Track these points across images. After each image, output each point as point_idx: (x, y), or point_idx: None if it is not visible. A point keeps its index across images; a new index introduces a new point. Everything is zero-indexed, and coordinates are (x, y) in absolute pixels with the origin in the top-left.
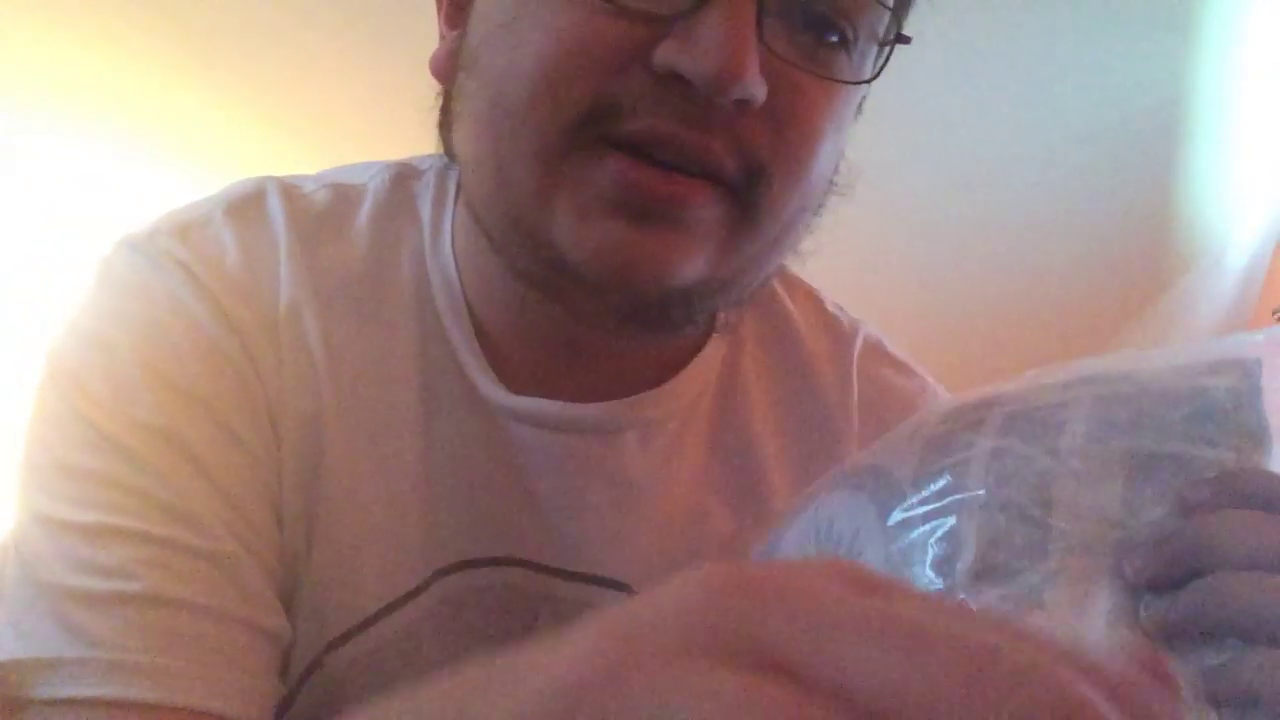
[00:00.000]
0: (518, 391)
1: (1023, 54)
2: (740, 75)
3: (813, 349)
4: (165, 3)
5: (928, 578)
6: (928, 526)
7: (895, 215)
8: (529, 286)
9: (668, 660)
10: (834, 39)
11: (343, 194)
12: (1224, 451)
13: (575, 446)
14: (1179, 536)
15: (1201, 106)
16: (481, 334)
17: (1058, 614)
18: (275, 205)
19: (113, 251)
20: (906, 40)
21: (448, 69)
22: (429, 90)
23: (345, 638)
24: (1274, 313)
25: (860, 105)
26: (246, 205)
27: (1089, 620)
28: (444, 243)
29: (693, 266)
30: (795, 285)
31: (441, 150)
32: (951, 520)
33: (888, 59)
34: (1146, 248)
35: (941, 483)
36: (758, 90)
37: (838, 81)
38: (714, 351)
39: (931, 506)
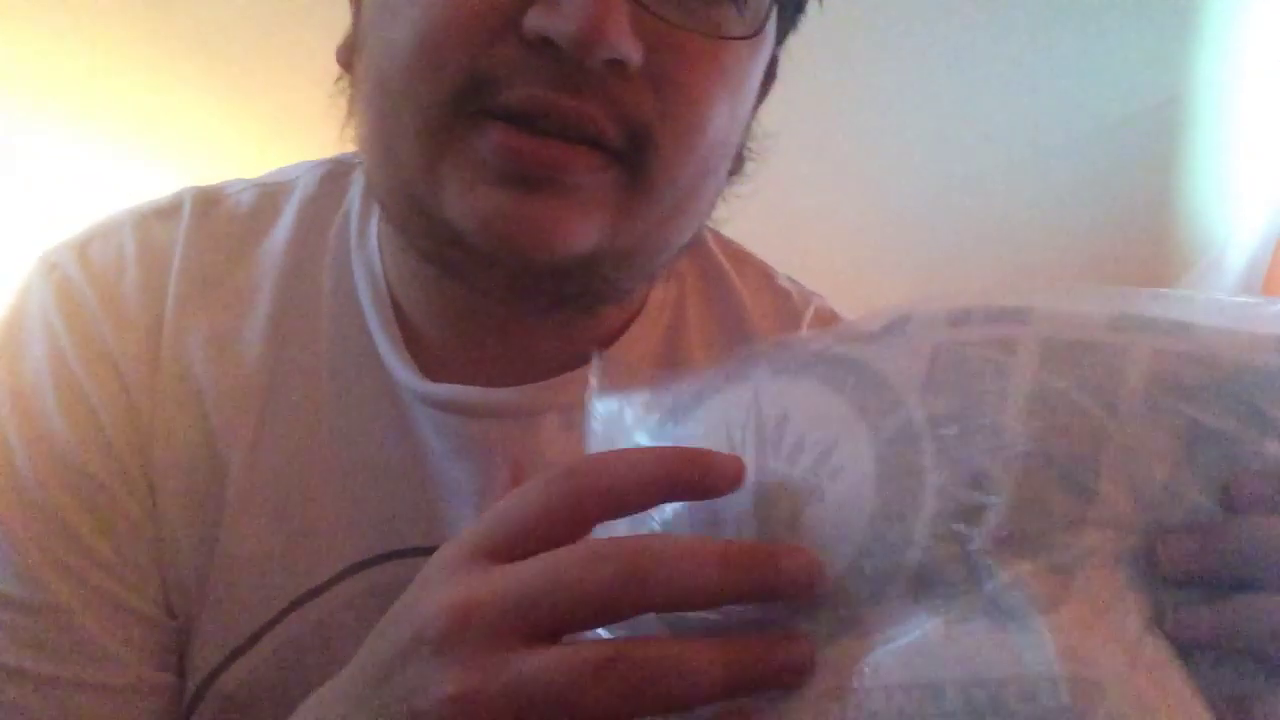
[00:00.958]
0: (437, 379)
1: (1023, 54)
2: (603, 34)
3: (759, 324)
4: (164, 3)
5: (931, 533)
6: (945, 466)
7: (894, 215)
8: (433, 266)
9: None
10: None
11: (269, 193)
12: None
13: (492, 432)
14: (1230, 534)
15: (1201, 106)
16: (404, 323)
17: (1083, 604)
18: (184, 219)
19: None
20: None
21: (347, 57)
22: None
23: (254, 639)
24: None
25: (772, 67)
26: (157, 218)
27: (1115, 617)
28: (371, 234)
29: (583, 235)
30: (745, 262)
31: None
32: (979, 466)
33: (797, 10)
34: (1146, 248)
35: (968, 414)
36: (627, 49)
37: (725, 39)
38: (646, 330)
39: (951, 440)
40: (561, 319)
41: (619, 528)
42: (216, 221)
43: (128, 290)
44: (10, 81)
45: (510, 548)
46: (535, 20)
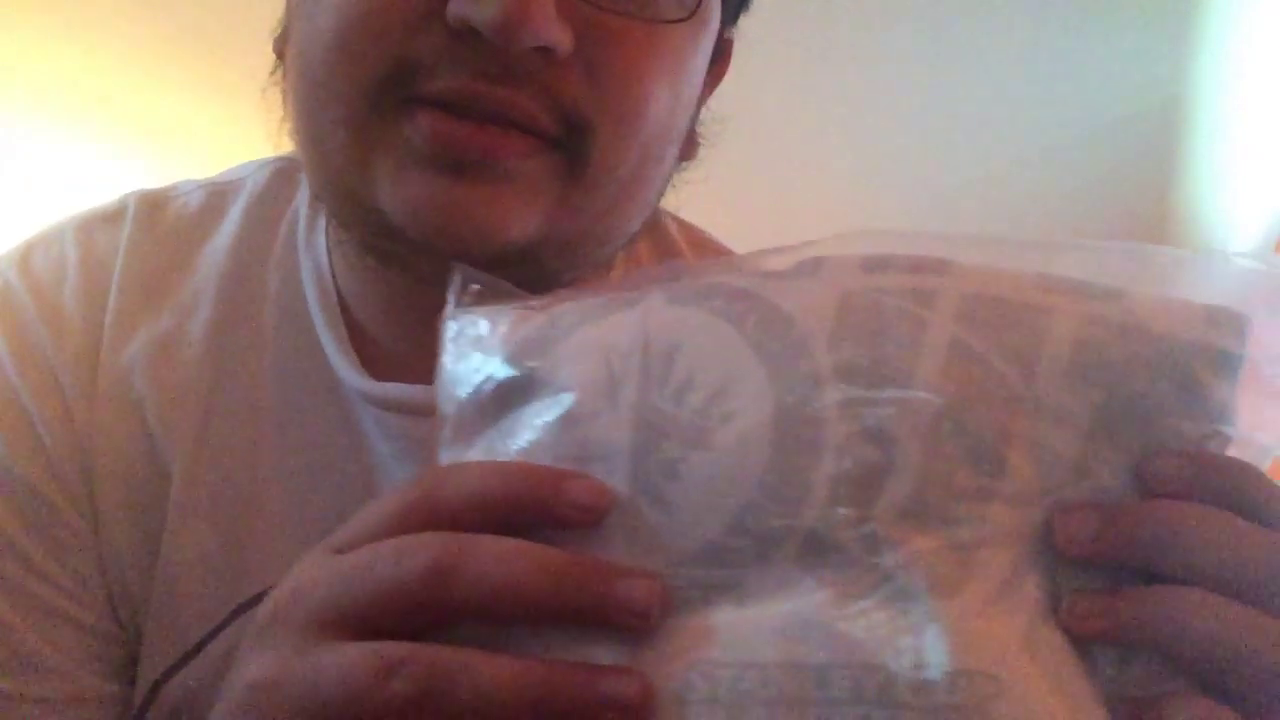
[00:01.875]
0: (384, 378)
1: (1023, 54)
2: (527, 21)
3: None
4: (164, 4)
5: (828, 494)
6: (849, 423)
7: (894, 215)
8: (372, 257)
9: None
10: None
11: (218, 193)
12: (1201, 426)
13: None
14: (1135, 516)
15: (1201, 106)
16: (351, 322)
17: (983, 588)
18: (128, 223)
19: None
20: None
21: (281, 47)
22: None
23: (200, 645)
24: None
25: (721, 46)
26: (101, 223)
27: (1015, 604)
28: (319, 231)
29: (521, 223)
30: (705, 247)
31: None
32: (885, 426)
33: None
34: None
35: (877, 368)
36: (553, 36)
37: (659, 22)
38: None
39: (857, 395)
40: None
41: (473, 454)
42: (162, 225)
43: (67, 299)
44: (10, 81)
45: (357, 543)
46: (458, 7)
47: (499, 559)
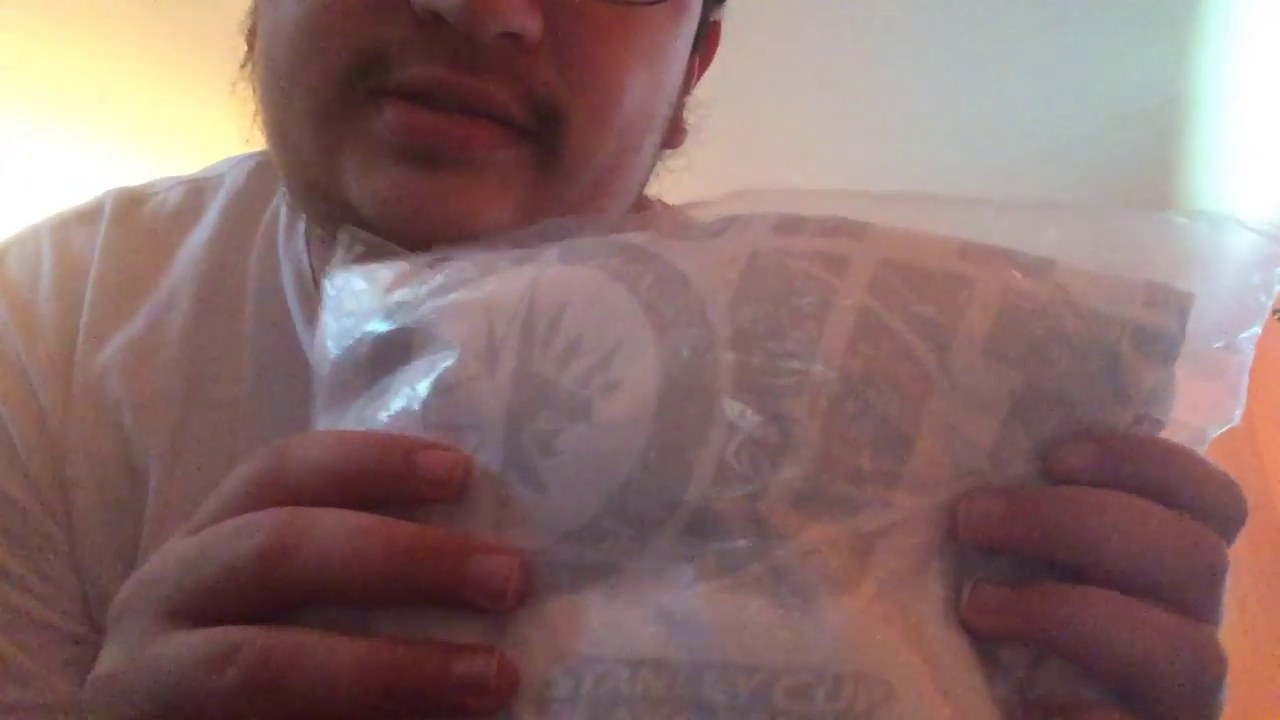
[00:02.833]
0: None
1: (1023, 54)
2: (492, 6)
3: None
4: (164, 4)
5: (714, 476)
6: (744, 397)
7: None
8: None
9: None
10: None
11: (196, 190)
12: (1129, 411)
13: None
14: (1045, 501)
15: (1201, 106)
16: None
17: (881, 584)
18: (104, 221)
19: None
20: None
21: (251, 38)
22: None
23: None
24: (1275, 312)
25: (707, 29)
26: (77, 222)
27: (915, 602)
28: (300, 227)
29: (493, 215)
30: None
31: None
32: (783, 403)
33: None
34: None
35: (778, 338)
36: (520, 21)
37: (634, 4)
38: None
39: (755, 367)
40: None
41: (346, 422)
42: (138, 222)
43: (41, 300)
44: (10, 81)
45: (206, 524)
46: None
47: (341, 535)
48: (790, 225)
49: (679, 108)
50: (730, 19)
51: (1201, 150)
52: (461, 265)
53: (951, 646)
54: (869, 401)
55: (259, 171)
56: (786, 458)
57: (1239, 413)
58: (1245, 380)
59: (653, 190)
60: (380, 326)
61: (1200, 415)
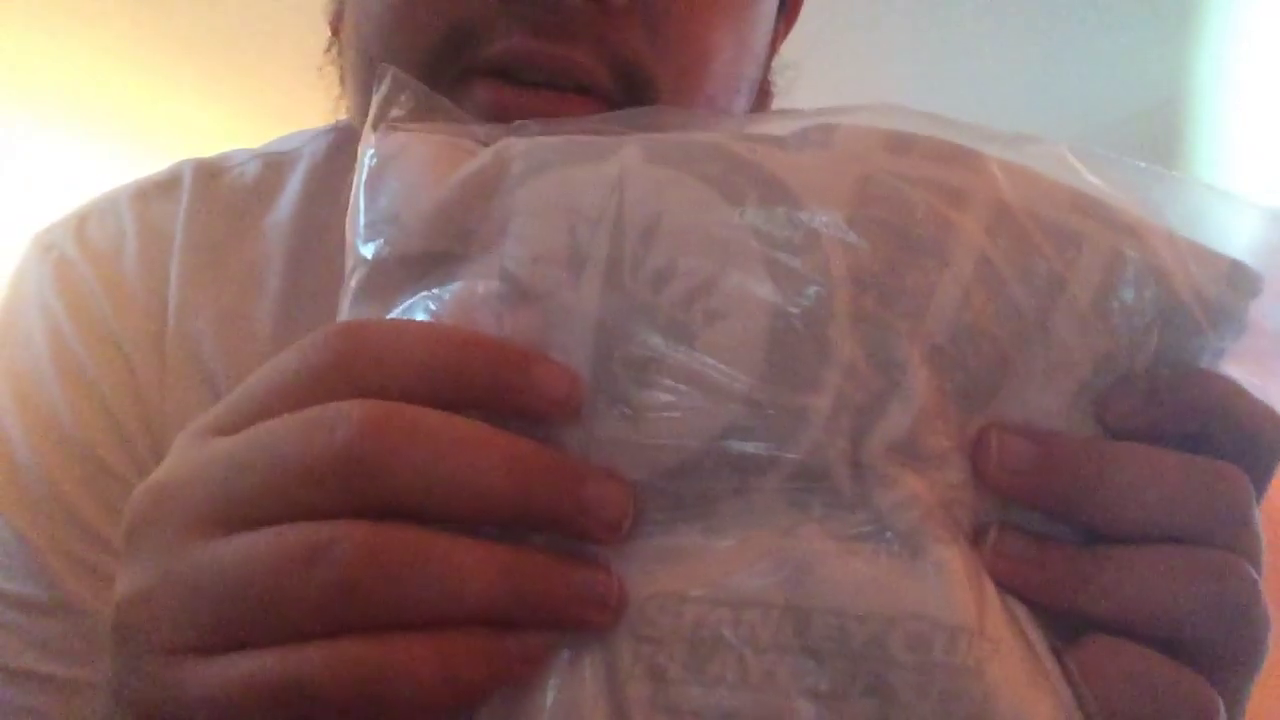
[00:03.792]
0: None
1: (1023, 54)
2: None
3: None
4: (164, 4)
5: (826, 421)
6: (860, 340)
7: None
8: None
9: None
10: None
11: (274, 164)
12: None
13: None
14: (1078, 450)
15: (1201, 106)
16: None
17: (966, 539)
18: (185, 191)
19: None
20: None
21: (337, 22)
22: None
23: None
24: None
25: None
26: (156, 192)
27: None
28: None
29: None
30: None
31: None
32: (895, 348)
33: None
34: None
35: (897, 276)
36: None
37: None
38: None
39: (872, 307)
40: None
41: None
42: (218, 194)
43: (128, 268)
44: (10, 82)
45: (244, 420)
46: None
47: (453, 442)
48: (900, 144)
49: (766, 70)
50: None
51: (1201, 150)
52: (529, 148)
53: (1017, 602)
54: (966, 355)
55: (336, 149)
56: (894, 404)
57: None
58: None
59: None
60: (434, 216)
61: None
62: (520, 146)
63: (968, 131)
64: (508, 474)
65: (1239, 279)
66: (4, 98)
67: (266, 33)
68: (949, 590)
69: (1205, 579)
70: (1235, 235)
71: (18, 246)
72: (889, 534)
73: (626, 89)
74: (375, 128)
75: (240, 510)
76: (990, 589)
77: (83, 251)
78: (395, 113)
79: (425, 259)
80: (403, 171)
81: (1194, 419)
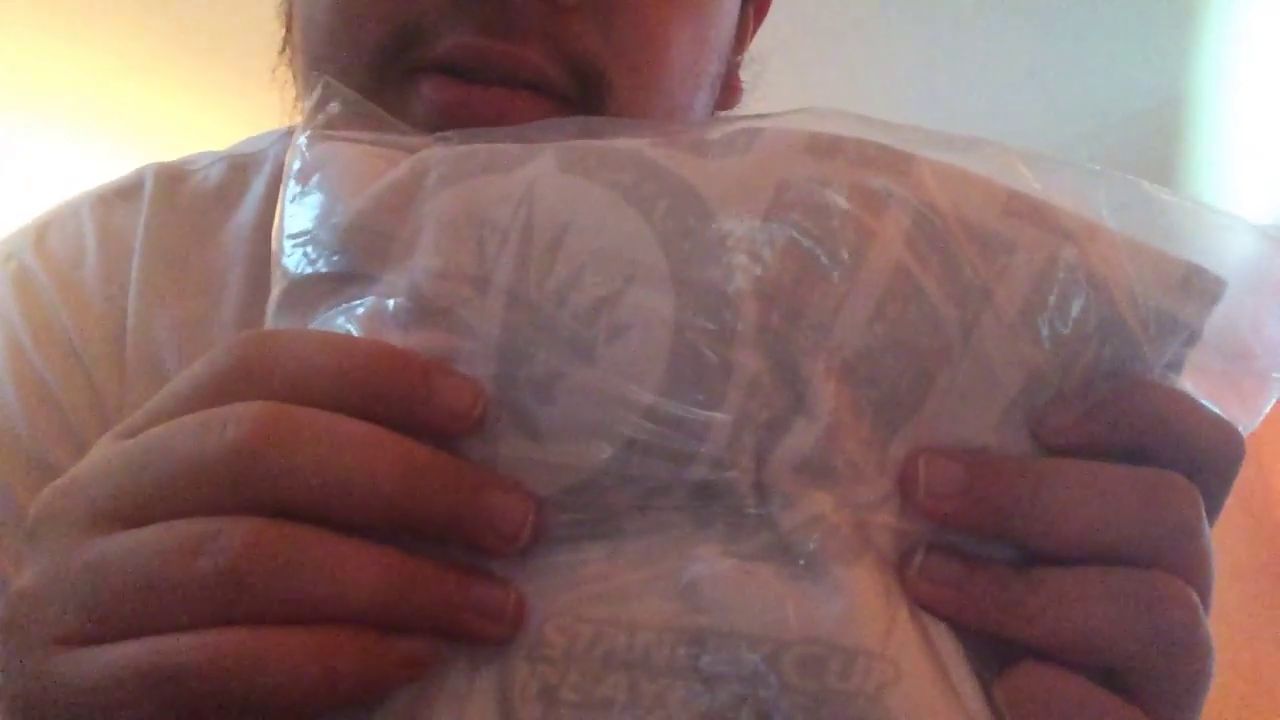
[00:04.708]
0: None
1: (1023, 54)
2: None
3: None
4: (164, 4)
5: (728, 437)
6: (765, 354)
7: None
8: None
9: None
10: None
11: (239, 166)
12: None
13: None
14: (1009, 471)
15: (1201, 106)
16: None
17: (881, 560)
18: (146, 197)
19: None
20: None
21: (288, 23)
22: None
23: None
24: None
25: None
26: (117, 198)
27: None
28: None
29: None
30: None
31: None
32: (802, 363)
33: None
34: None
35: (805, 289)
36: None
37: None
38: None
39: (779, 320)
40: None
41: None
42: (181, 199)
43: (88, 277)
44: (10, 82)
45: (153, 423)
46: None
47: (346, 442)
48: (824, 147)
49: (732, 64)
50: None
51: (1201, 150)
52: (446, 158)
53: (940, 629)
54: (881, 370)
55: None
56: (799, 421)
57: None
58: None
59: None
60: (352, 226)
61: (1229, 409)
62: (438, 156)
63: (910, 134)
64: (401, 476)
65: (1196, 284)
66: (4, 98)
67: (267, 34)
68: (849, 612)
69: (1142, 604)
70: (1200, 241)
71: None
72: (791, 554)
73: (580, 86)
74: (302, 138)
75: (135, 507)
76: (903, 612)
77: (42, 261)
78: (320, 119)
79: (340, 272)
80: (326, 182)
81: (1133, 433)
